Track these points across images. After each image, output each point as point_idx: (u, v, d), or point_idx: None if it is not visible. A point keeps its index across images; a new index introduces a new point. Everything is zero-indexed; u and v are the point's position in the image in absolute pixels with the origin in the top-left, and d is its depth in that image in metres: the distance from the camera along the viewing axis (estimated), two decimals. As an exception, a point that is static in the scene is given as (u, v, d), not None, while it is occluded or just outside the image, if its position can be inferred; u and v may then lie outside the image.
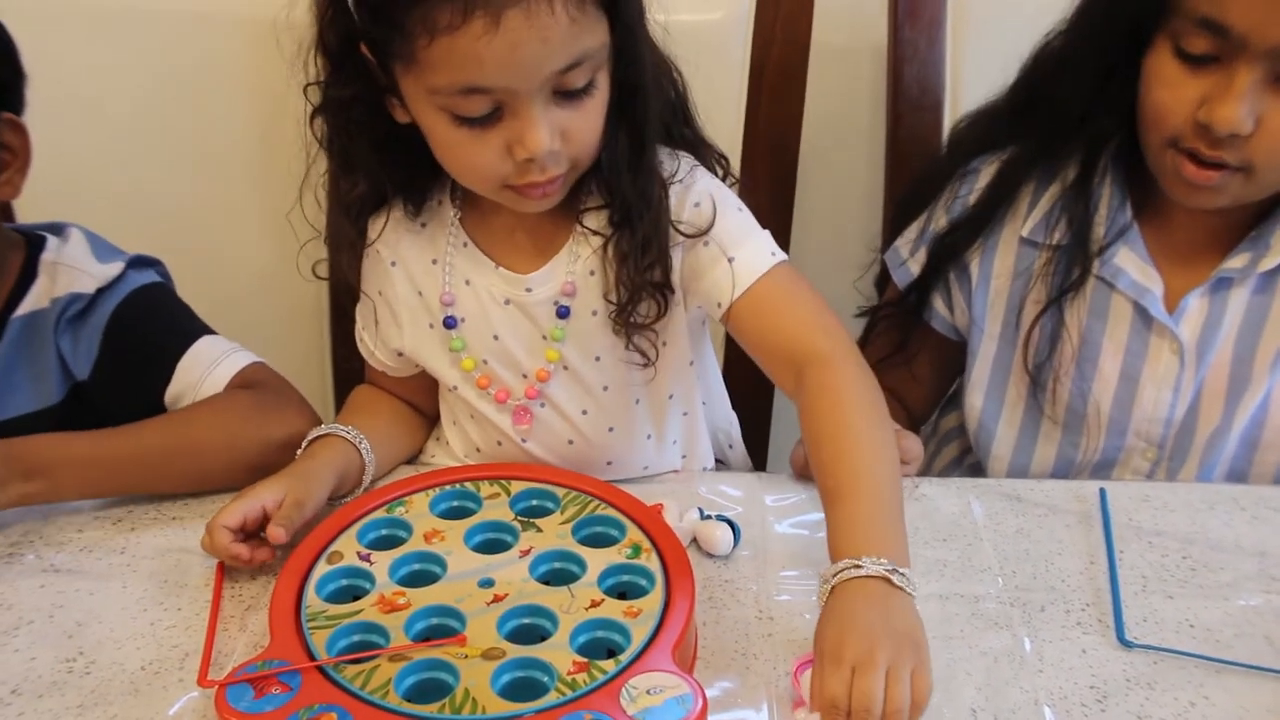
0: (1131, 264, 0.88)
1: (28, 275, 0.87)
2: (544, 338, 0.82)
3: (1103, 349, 0.89)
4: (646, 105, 0.77)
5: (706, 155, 0.85)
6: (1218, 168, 0.80)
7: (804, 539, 0.79)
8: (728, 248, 0.79)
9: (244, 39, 1.15)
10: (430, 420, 0.93)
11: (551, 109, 0.71)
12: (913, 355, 0.99)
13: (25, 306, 0.87)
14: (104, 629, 0.70)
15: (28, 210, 1.14)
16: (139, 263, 0.90)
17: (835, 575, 0.65)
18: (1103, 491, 0.83)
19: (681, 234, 0.79)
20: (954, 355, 1.00)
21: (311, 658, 0.63)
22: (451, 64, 0.68)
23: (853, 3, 1.25)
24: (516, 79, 0.69)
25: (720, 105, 1.17)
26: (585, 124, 0.74)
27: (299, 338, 1.25)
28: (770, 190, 1.20)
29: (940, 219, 0.96)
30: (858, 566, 0.64)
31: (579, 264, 0.81)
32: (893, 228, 1.05)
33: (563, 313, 0.81)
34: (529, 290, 0.82)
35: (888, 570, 0.64)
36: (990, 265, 0.93)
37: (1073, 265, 0.88)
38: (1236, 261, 0.86)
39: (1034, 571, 0.77)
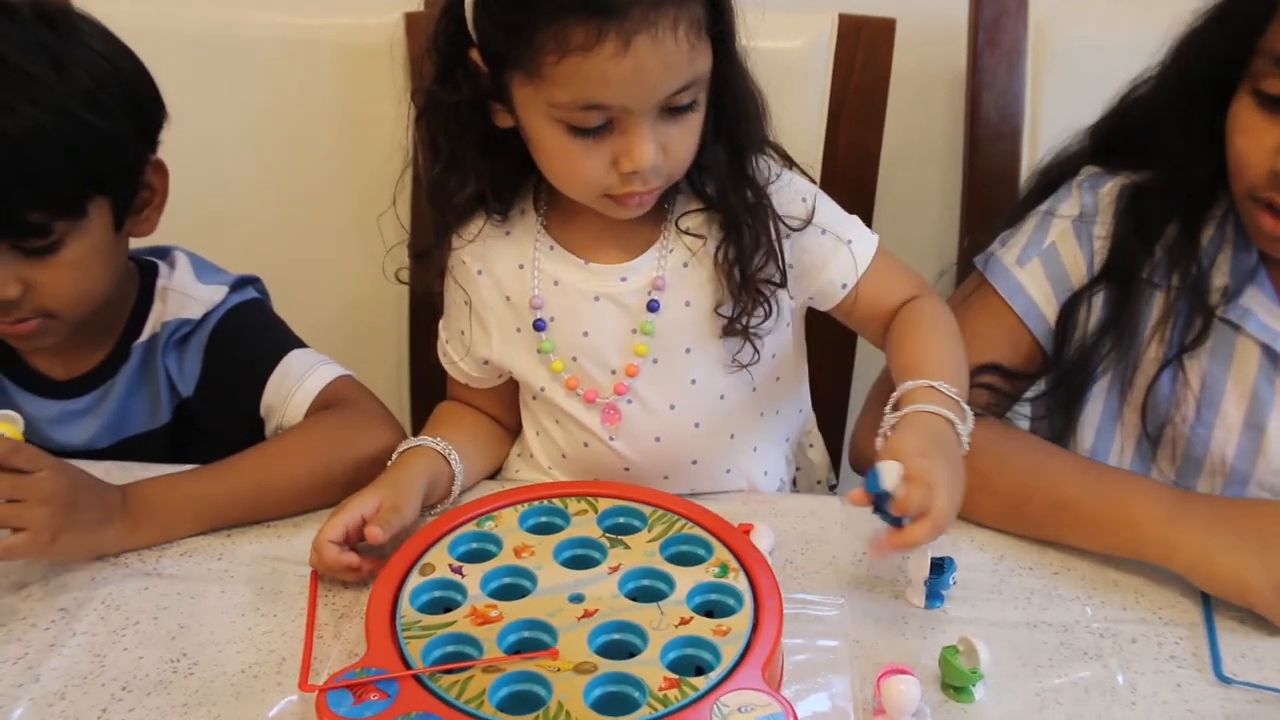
0: (1260, 305, 0.85)
1: (144, 302, 0.91)
2: (634, 331, 0.85)
3: (1225, 395, 0.87)
4: (746, 121, 0.83)
5: (786, 159, 0.90)
6: None
7: (889, 564, 0.79)
8: (843, 232, 0.87)
9: (335, 67, 1.19)
10: (512, 433, 0.94)
11: (657, 125, 0.76)
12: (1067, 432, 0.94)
13: (144, 334, 0.90)
14: (205, 632, 0.72)
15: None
16: (240, 284, 0.94)
17: (905, 407, 0.75)
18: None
19: (790, 227, 0.84)
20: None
21: (407, 666, 0.65)
22: (577, 81, 0.73)
23: (932, 29, 1.25)
24: (636, 99, 0.74)
25: (799, 133, 1.18)
26: (685, 140, 0.79)
27: (379, 353, 1.28)
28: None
29: (1067, 239, 0.91)
30: (926, 403, 0.74)
31: (669, 260, 0.84)
32: (968, 263, 1.03)
33: (653, 306, 0.84)
34: (624, 280, 0.84)
35: (949, 416, 0.74)
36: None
37: (1194, 314, 0.86)
38: None
39: (1124, 602, 0.76)
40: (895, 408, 0.76)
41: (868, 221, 1.21)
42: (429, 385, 1.04)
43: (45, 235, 0.80)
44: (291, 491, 0.83)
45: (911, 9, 1.18)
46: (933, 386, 0.76)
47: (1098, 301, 0.90)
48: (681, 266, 0.84)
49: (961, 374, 0.80)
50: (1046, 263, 0.92)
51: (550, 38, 0.72)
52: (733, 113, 0.82)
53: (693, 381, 0.86)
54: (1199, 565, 0.75)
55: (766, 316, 0.85)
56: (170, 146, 1.18)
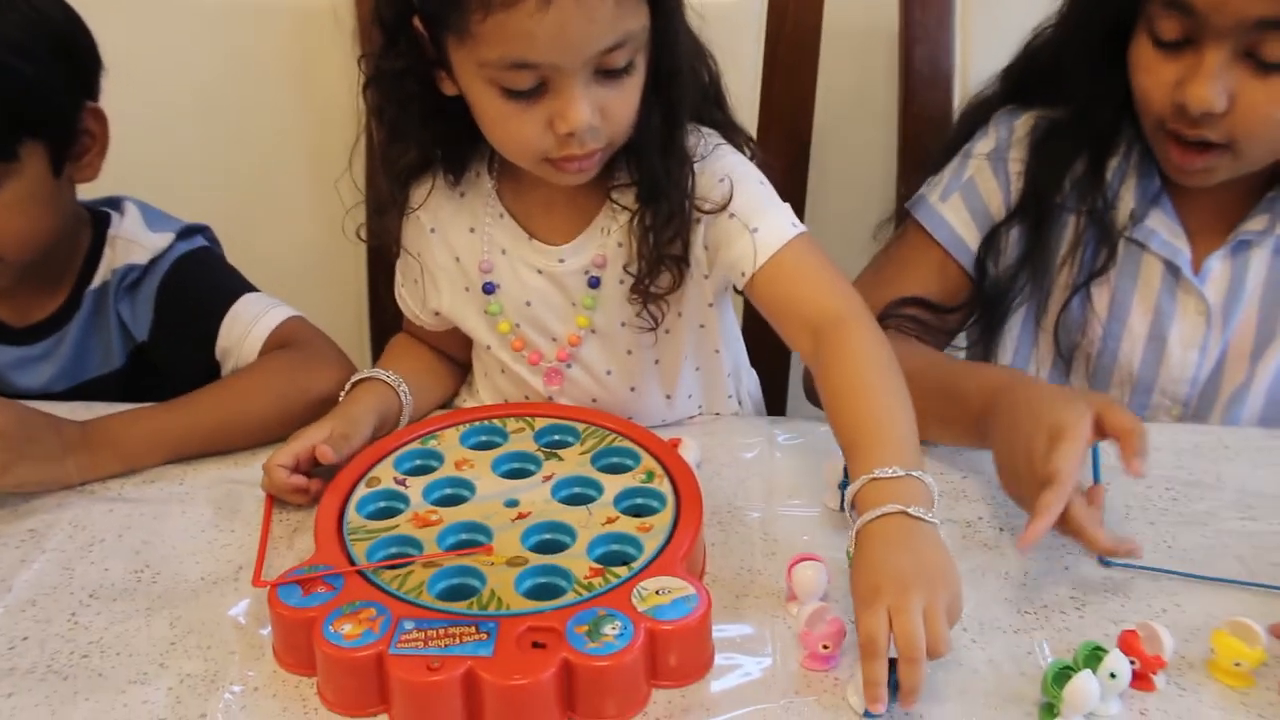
0: (1163, 226, 0.92)
1: (95, 251, 0.95)
2: (574, 305, 0.88)
3: (1132, 308, 0.93)
4: (682, 88, 0.82)
5: (734, 137, 0.89)
6: (1202, 149, 0.84)
7: (808, 469, 0.85)
8: (750, 220, 0.83)
9: (294, 24, 1.23)
10: (462, 368, 0.99)
11: (592, 87, 0.76)
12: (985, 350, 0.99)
13: (95, 281, 0.95)
14: (167, 546, 0.78)
15: (94, 184, 1.23)
16: (186, 232, 0.98)
17: (854, 522, 0.67)
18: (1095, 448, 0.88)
19: (702, 211, 0.84)
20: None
21: (353, 564, 0.70)
22: (503, 39, 0.73)
23: (863, -16, 1.30)
24: (563, 56, 0.74)
25: (736, 85, 1.21)
26: (623, 102, 0.78)
27: (340, 296, 1.32)
28: (784, 168, 1.23)
29: (984, 174, 0.96)
30: (872, 508, 0.66)
31: (610, 237, 0.86)
32: (904, 211, 1.09)
33: (594, 283, 0.87)
34: (561, 261, 0.87)
35: (903, 507, 0.65)
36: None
37: (1101, 242, 0.92)
38: (1255, 224, 0.90)
39: (1024, 500, 0.82)
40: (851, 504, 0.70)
41: (805, 170, 1.29)
42: (388, 325, 1.08)
43: None
44: (248, 426, 0.88)
45: (841, -34, 1.23)
46: (874, 478, 0.68)
47: (1015, 235, 0.96)
48: (617, 246, 0.86)
49: (907, 429, 0.72)
50: (966, 196, 0.98)
51: None
52: (668, 75, 0.81)
53: (628, 352, 0.90)
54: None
55: (673, 286, 0.85)
56: (128, 106, 1.21)
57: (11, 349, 0.94)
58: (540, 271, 0.88)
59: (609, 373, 0.91)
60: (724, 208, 0.83)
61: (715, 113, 0.89)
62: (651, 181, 0.83)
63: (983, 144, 0.99)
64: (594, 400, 0.91)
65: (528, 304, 0.89)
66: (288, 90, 1.25)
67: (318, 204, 1.29)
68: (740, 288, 0.86)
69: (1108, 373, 0.95)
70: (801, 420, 0.92)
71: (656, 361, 0.91)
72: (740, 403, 1.02)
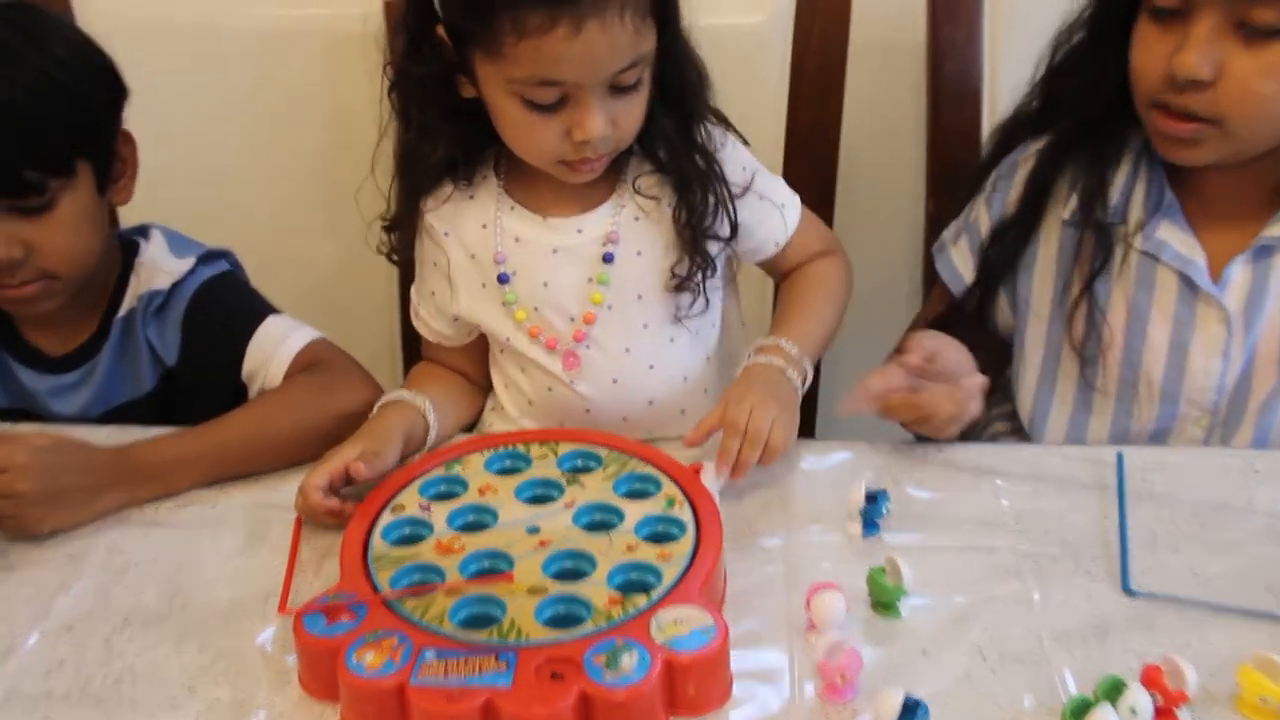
0: (1173, 236, 0.92)
1: (124, 279, 0.98)
2: (590, 280, 0.92)
3: (1151, 319, 0.93)
4: (691, 93, 0.91)
5: (726, 127, 0.97)
6: (1188, 120, 0.84)
7: (830, 494, 0.85)
8: (775, 197, 0.97)
9: (322, 48, 1.25)
10: (483, 390, 1.01)
11: (607, 100, 0.84)
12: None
13: (123, 308, 0.97)
14: (198, 571, 0.79)
15: (128, 207, 1.25)
16: (209, 256, 1.00)
17: (750, 359, 0.89)
18: (1120, 455, 0.87)
19: (731, 192, 0.93)
20: (1006, 352, 1.04)
21: (376, 591, 0.71)
22: (533, 60, 0.81)
23: (892, 1, 1.29)
24: (585, 75, 0.82)
25: (762, 106, 1.23)
26: (632, 114, 0.87)
27: (371, 313, 1.34)
28: (812, 188, 1.24)
29: (981, 214, 1.01)
30: (766, 356, 0.89)
31: (622, 214, 0.93)
32: (934, 229, 1.10)
33: (608, 258, 0.92)
34: (580, 231, 0.92)
35: (784, 365, 0.89)
36: (1036, 251, 0.98)
37: (1110, 242, 0.93)
38: (1277, 229, 0.89)
39: (1047, 528, 0.81)
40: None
41: (832, 190, 1.29)
42: (419, 341, 1.10)
43: (41, 193, 0.87)
44: (277, 448, 0.89)
45: (868, -18, 1.23)
46: (779, 345, 0.90)
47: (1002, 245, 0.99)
48: (633, 220, 0.93)
49: (817, 331, 0.95)
50: (970, 237, 1.02)
51: (509, 21, 0.80)
52: (678, 86, 0.90)
53: (644, 326, 0.94)
54: None
55: (714, 272, 0.94)
56: (160, 134, 1.24)
57: (49, 377, 0.97)
58: (556, 251, 0.92)
59: (627, 350, 0.94)
60: (748, 189, 0.94)
61: (708, 110, 0.95)
62: (681, 175, 0.91)
63: (991, 179, 1.01)
64: (614, 381, 0.94)
65: (544, 285, 0.93)
66: (316, 114, 1.27)
67: (345, 224, 1.30)
68: (759, 259, 0.99)
69: (1131, 386, 0.95)
70: (826, 442, 0.92)
71: (672, 340, 0.95)
72: None
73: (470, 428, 0.99)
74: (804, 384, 0.90)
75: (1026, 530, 0.81)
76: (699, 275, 0.92)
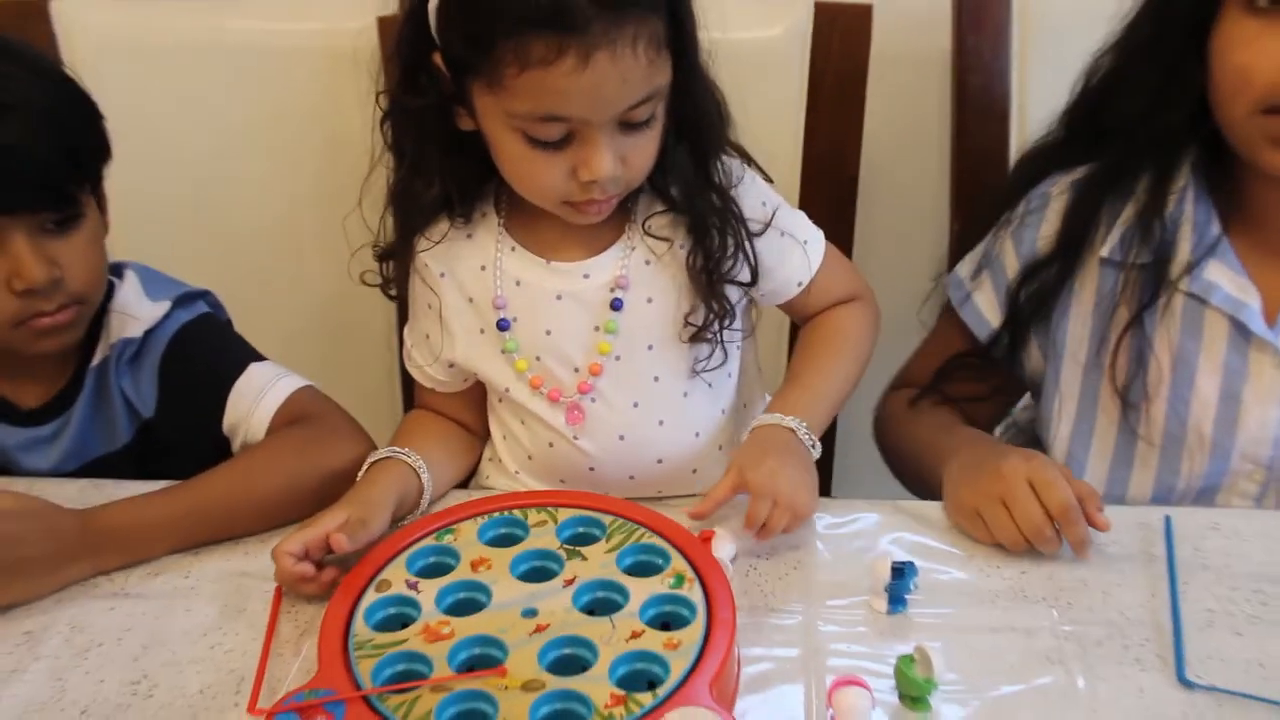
0: (1224, 277, 0.85)
1: (96, 326, 0.92)
2: (595, 329, 0.84)
3: (1199, 368, 0.86)
4: (708, 127, 0.84)
5: (745, 160, 0.91)
6: None
7: (852, 563, 0.79)
8: (798, 233, 0.90)
9: (309, 72, 1.19)
10: (481, 440, 0.95)
11: (616, 137, 0.77)
12: (988, 398, 0.98)
13: (96, 358, 0.91)
14: (167, 652, 0.73)
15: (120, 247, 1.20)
16: (186, 298, 0.94)
17: (760, 422, 0.83)
18: (1168, 519, 0.81)
19: (754, 233, 0.86)
20: (1021, 388, 0.98)
21: (357, 687, 0.65)
22: (536, 94, 0.74)
23: (914, 11, 1.23)
24: (594, 112, 0.75)
25: (779, 122, 1.18)
26: (643, 152, 0.80)
27: (368, 352, 1.29)
28: (830, 206, 1.20)
29: (1007, 250, 0.93)
30: (776, 417, 0.83)
31: (631, 258, 0.85)
32: (959, 249, 1.03)
33: (617, 305, 0.85)
34: (586, 276, 0.85)
35: (796, 426, 0.83)
36: (1072, 291, 0.90)
37: (1156, 283, 0.86)
38: None
39: (1090, 604, 0.74)
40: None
41: (852, 210, 1.23)
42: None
43: (75, 206, 0.84)
44: (260, 509, 0.83)
45: (890, -9, 1.16)
46: (789, 407, 0.84)
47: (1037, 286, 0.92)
48: (644, 264, 0.86)
49: (833, 391, 0.89)
50: (993, 273, 0.95)
51: (511, 50, 0.73)
52: (694, 121, 0.83)
53: (655, 379, 0.86)
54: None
55: (733, 320, 0.87)
56: (149, 153, 1.20)
57: (20, 430, 0.91)
58: (560, 297, 0.85)
59: (635, 404, 0.87)
60: (768, 226, 0.87)
61: (728, 152, 0.89)
62: (696, 216, 0.84)
63: (1017, 211, 0.94)
64: (621, 438, 0.87)
65: (547, 333, 0.86)
66: (311, 133, 1.21)
67: (342, 248, 1.24)
68: (781, 301, 0.91)
69: (1177, 438, 0.87)
70: (848, 501, 0.86)
71: (685, 395, 0.87)
72: None
73: (467, 479, 0.93)
74: (815, 450, 0.84)
75: (1068, 607, 0.74)
76: (716, 324, 0.85)
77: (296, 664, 0.72)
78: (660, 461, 0.88)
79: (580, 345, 0.86)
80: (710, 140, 0.84)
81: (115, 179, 1.16)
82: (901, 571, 0.74)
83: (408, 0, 0.80)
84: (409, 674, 0.67)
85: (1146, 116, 0.85)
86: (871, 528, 0.82)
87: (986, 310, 0.95)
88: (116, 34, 1.19)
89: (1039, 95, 1.17)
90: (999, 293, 0.95)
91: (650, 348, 0.86)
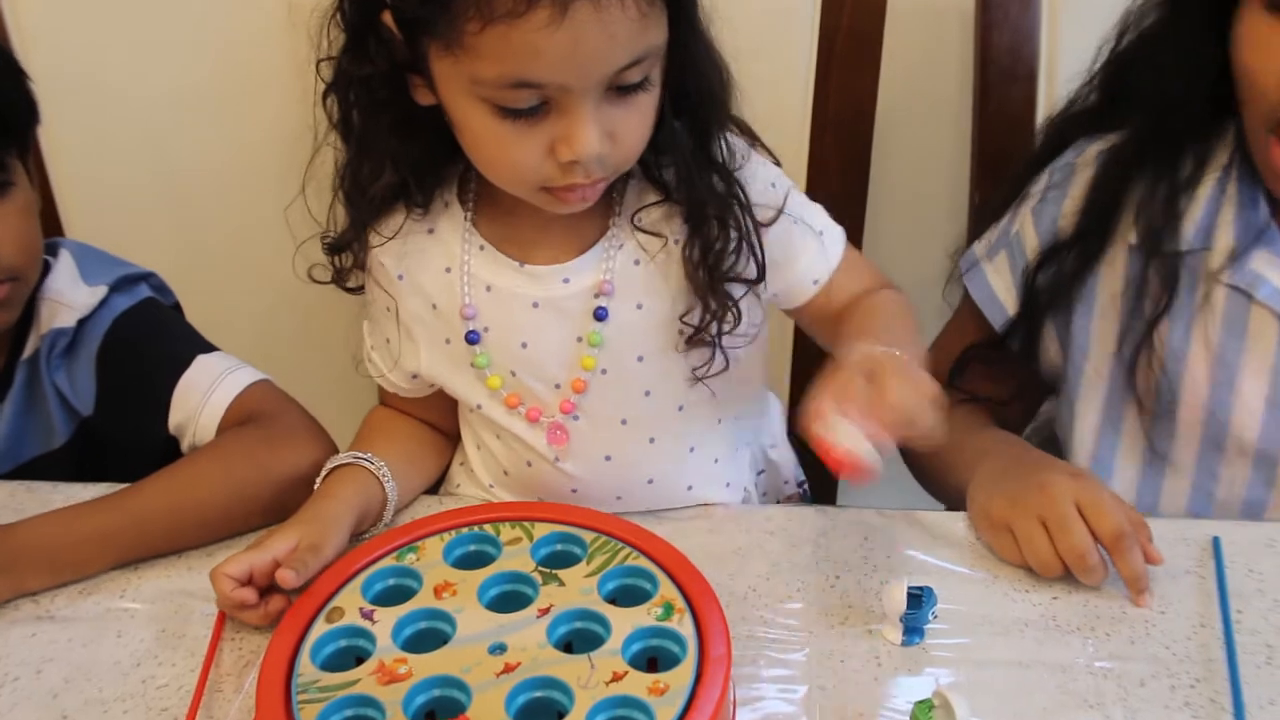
0: (1272, 269, 0.75)
1: (27, 313, 0.83)
2: (579, 340, 0.75)
3: (1242, 370, 0.77)
4: (711, 97, 0.72)
5: (751, 140, 0.78)
6: None
7: (863, 584, 0.70)
8: (813, 221, 0.78)
9: (272, 29, 1.09)
10: (452, 440, 0.86)
11: (603, 107, 0.66)
12: (1007, 399, 0.88)
13: (26, 349, 0.83)
14: (92, 688, 0.65)
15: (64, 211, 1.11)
16: (125, 281, 0.85)
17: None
18: (1216, 540, 0.72)
19: (762, 223, 0.74)
20: (1044, 387, 0.89)
21: (298, 739, 0.57)
22: (504, 54, 0.62)
23: (936, -41, 1.13)
24: (574, 76, 0.63)
25: (787, 79, 1.08)
26: (635, 124, 0.68)
27: (342, 339, 1.20)
28: (841, 173, 1.11)
29: (1027, 227, 0.84)
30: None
31: (617, 258, 0.74)
32: (980, 222, 0.94)
33: (601, 314, 0.74)
34: (566, 281, 0.74)
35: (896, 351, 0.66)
36: (1096, 280, 0.81)
37: (1176, 274, 0.77)
38: None
39: (1132, 636, 0.66)
40: None
41: (865, 177, 1.13)
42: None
43: (4, 170, 0.77)
44: (207, 520, 0.75)
45: (911, -62, 1.07)
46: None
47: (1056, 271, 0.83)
48: (632, 265, 0.74)
49: (911, 342, 0.72)
50: (1011, 254, 0.86)
51: (472, 2, 0.61)
52: (696, 89, 0.71)
53: (646, 393, 0.76)
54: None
55: (736, 322, 0.75)
56: (96, 119, 1.11)
57: None
58: (537, 305, 0.75)
59: (623, 422, 0.77)
60: (781, 212, 0.75)
61: (731, 128, 0.77)
62: (694, 204, 0.73)
63: (1036, 188, 0.84)
64: (608, 458, 0.78)
65: (523, 346, 0.75)
66: (275, 92, 1.11)
67: (311, 231, 1.16)
68: (797, 303, 0.79)
69: (1218, 446, 0.79)
70: (857, 511, 0.77)
71: (681, 409, 0.77)
72: (772, 455, 0.88)
73: (436, 484, 0.84)
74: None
75: (1106, 639, 0.66)
76: (715, 326, 0.74)
77: (237, 701, 0.64)
78: (651, 481, 0.78)
79: (561, 360, 0.75)
80: (712, 113, 0.72)
81: (58, 147, 1.08)
82: (919, 599, 0.66)
83: None
84: (358, 721, 0.59)
85: (1176, 88, 0.76)
86: (885, 545, 0.74)
87: (1002, 294, 0.86)
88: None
89: (1070, 56, 1.07)
90: (1016, 275, 0.85)
91: (640, 359, 0.75)
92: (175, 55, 1.11)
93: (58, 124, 1.02)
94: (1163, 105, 0.77)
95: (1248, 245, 0.76)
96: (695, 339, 0.74)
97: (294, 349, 1.16)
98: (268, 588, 0.69)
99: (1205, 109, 0.76)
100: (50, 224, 1.09)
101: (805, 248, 0.77)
